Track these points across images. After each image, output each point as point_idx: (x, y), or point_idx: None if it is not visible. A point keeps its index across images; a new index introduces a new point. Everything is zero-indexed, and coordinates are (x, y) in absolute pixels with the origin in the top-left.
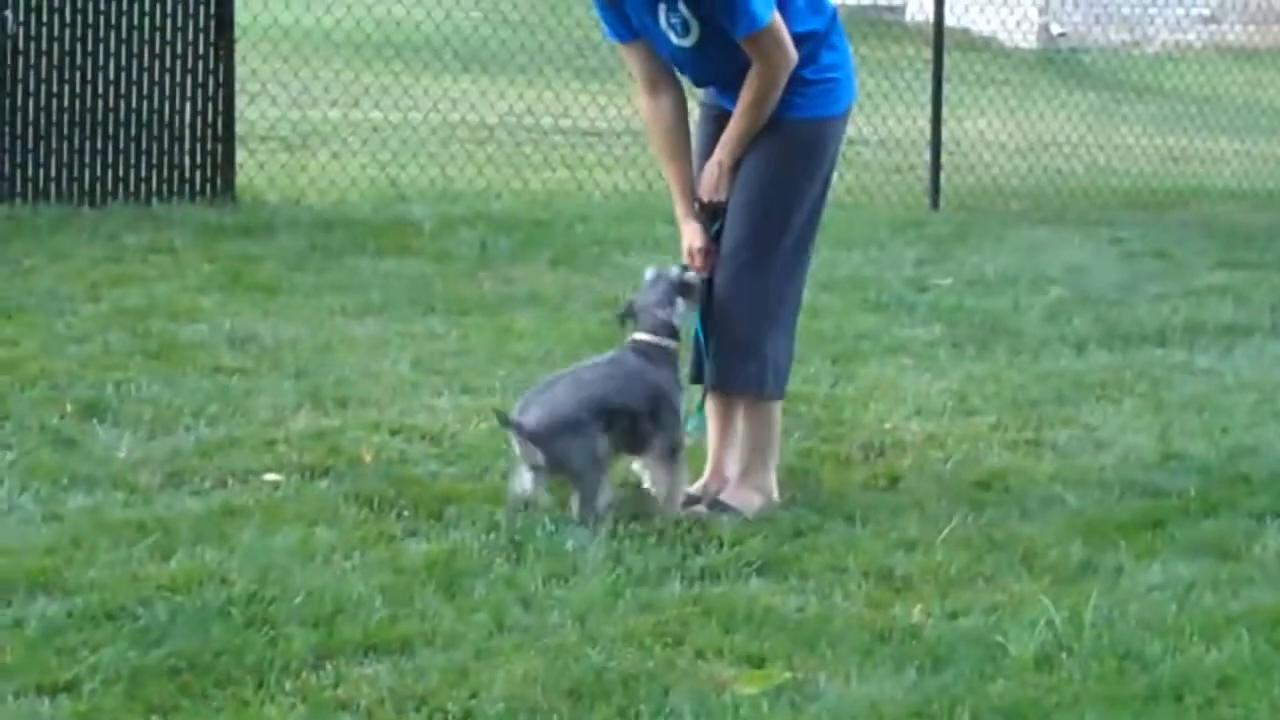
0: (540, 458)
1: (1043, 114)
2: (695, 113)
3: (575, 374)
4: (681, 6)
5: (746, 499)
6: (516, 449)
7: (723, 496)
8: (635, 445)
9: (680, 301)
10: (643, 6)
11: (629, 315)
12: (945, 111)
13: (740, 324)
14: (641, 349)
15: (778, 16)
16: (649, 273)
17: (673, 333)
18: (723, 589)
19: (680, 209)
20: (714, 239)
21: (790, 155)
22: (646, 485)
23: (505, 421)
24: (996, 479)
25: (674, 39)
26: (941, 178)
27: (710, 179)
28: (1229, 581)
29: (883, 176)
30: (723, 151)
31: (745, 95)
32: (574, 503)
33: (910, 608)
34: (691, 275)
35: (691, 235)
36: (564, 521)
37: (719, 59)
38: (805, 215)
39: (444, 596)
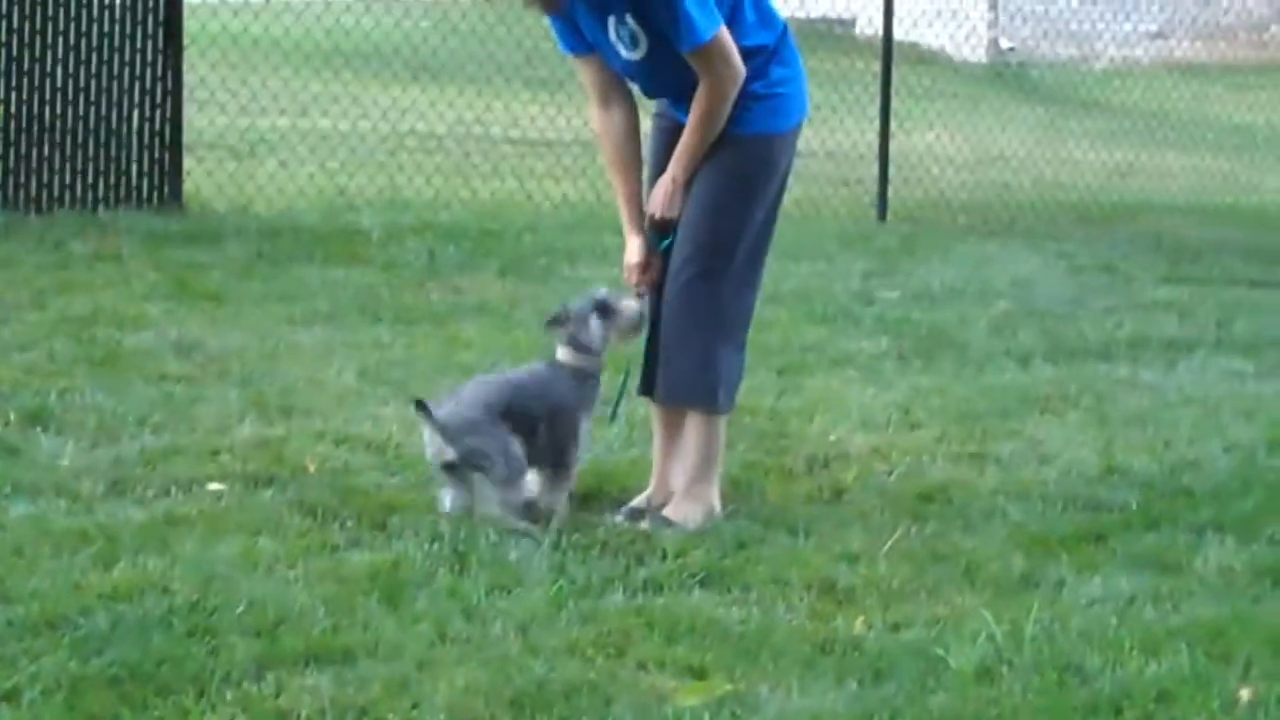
0: (449, 453)
1: (991, 128)
2: (648, 124)
3: (489, 378)
4: (629, 19)
5: (690, 512)
6: (428, 449)
7: (666, 510)
8: (532, 455)
9: (595, 322)
10: (593, 19)
11: (553, 325)
12: (893, 125)
13: (692, 338)
14: (556, 364)
15: (724, 31)
16: (590, 290)
17: (586, 350)
18: (665, 600)
19: (626, 223)
20: (665, 254)
21: (740, 171)
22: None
23: (420, 407)
24: (940, 492)
25: (623, 52)
26: (889, 191)
27: (663, 194)
28: (1169, 595)
29: (830, 189)
30: (675, 167)
31: (694, 110)
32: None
33: (852, 620)
34: (624, 303)
35: (631, 251)
36: (507, 533)
37: (668, 72)
38: (756, 230)
39: (386, 607)
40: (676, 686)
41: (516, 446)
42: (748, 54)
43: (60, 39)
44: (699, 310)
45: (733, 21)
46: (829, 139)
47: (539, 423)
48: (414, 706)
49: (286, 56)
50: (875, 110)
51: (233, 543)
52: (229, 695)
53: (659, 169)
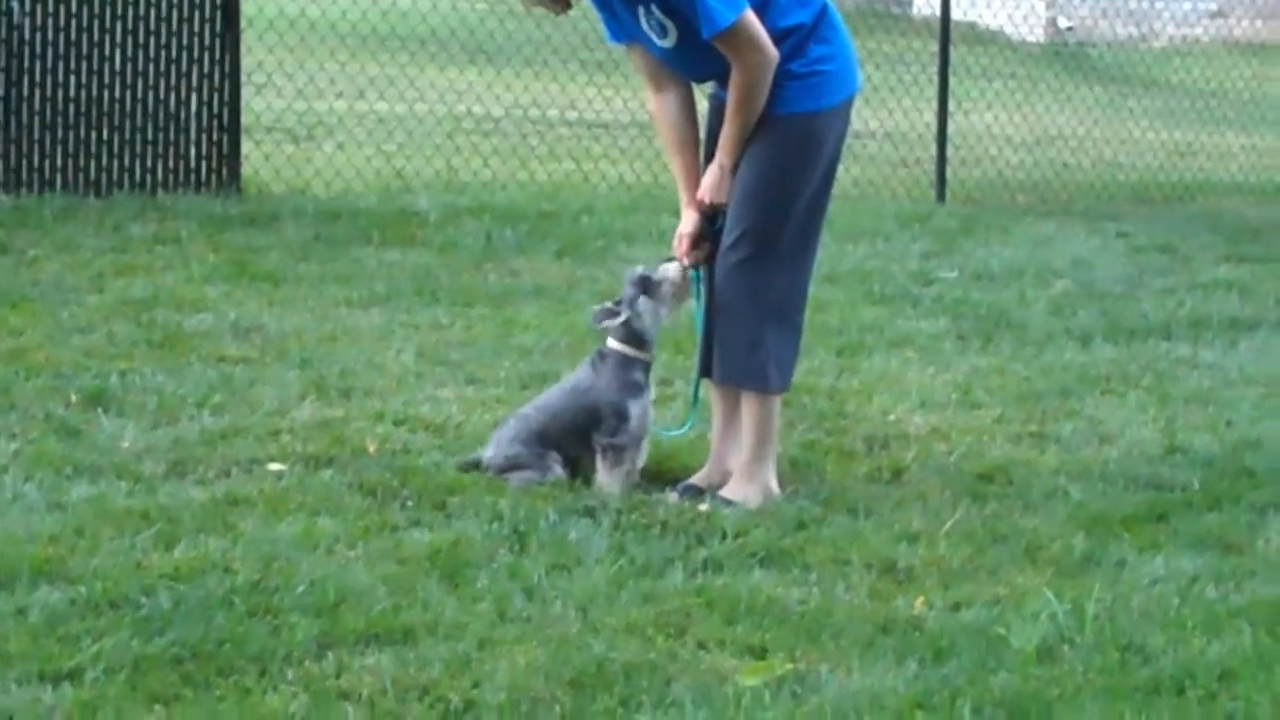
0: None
1: (1049, 108)
2: (705, 104)
3: (528, 407)
4: (655, 9)
5: (748, 492)
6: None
7: (724, 491)
8: (587, 445)
9: (642, 301)
10: (627, 11)
11: (604, 319)
12: (951, 105)
13: (741, 319)
14: (597, 358)
15: (747, 15)
16: (627, 272)
17: (634, 336)
18: (725, 580)
19: (684, 198)
20: (716, 236)
21: (783, 150)
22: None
23: (470, 467)
24: (1000, 472)
25: (657, 40)
26: (947, 171)
27: (711, 181)
28: (1231, 575)
29: (889, 170)
30: (722, 154)
31: (731, 96)
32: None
33: (913, 600)
34: (661, 270)
35: (685, 222)
36: (567, 512)
37: (701, 59)
38: (805, 209)
39: (447, 586)
40: (737, 666)
41: (555, 458)
42: (784, 34)
43: (119, 23)
44: (746, 291)
45: (766, 4)
46: (887, 120)
47: (583, 428)
48: (475, 685)
49: (343, 39)
50: (933, 91)
51: (293, 523)
52: (290, 674)
53: (713, 148)
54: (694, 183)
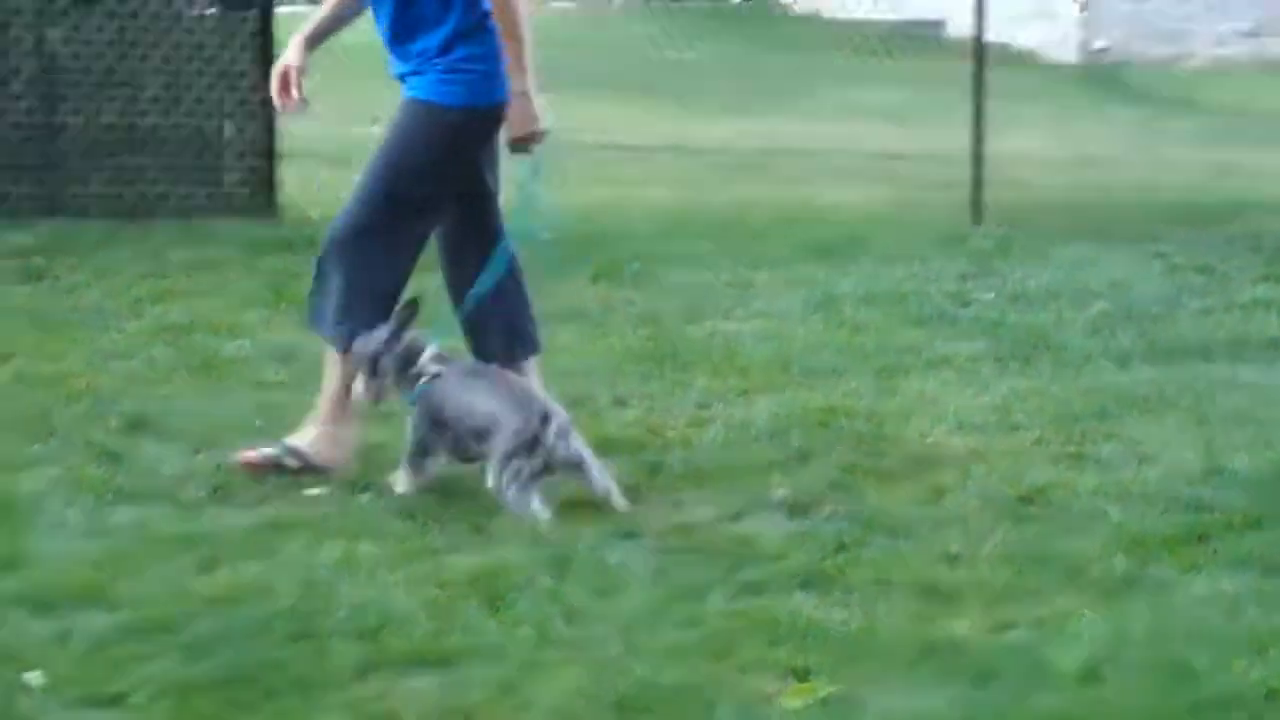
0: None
1: (1085, 129)
2: None
3: None
4: None
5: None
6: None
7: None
8: None
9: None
10: None
11: None
12: (987, 127)
13: None
14: None
15: None
16: None
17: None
18: (766, 603)
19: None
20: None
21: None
22: None
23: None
24: (1040, 493)
25: None
26: (984, 192)
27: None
28: (1274, 595)
29: (924, 192)
30: (515, 82)
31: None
32: None
33: (955, 622)
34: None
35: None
36: (607, 536)
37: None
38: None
39: (488, 610)
40: (779, 689)
41: None
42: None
43: (156, 50)
44: None
45: None
46: (922, 142)
47: None
48: (518, 709)
49: (380, 64)
50: (968, 112)
51: (334, 547)
52: (335, 699)
53: None
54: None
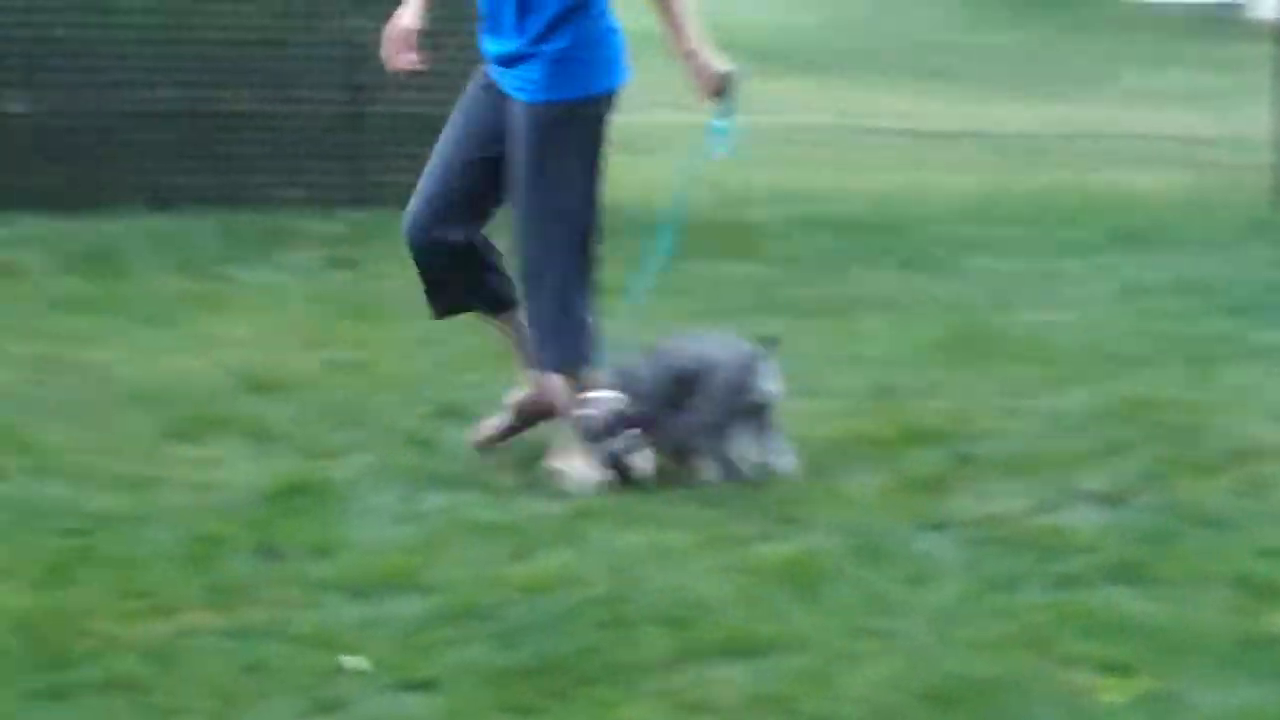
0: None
1: None
2: None
3: None
4: None
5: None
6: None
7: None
8: None
9: None
10: None
11: None
12: None
13: None
14: None
15: None
16: None
17: None
18: (1081, 595)
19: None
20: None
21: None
22: None
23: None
24: None
25: None
26: None
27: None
28: None
29: (1227, 176)
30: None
31: None
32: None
33: (1275, 616)
34: None
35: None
36: (917, 526)
37: None
38: None
39: (798, 599)
40: (1097, 683)
41: None
42: None
43: (453, 39)
44: None
45: None
46: (1224, 125)
47: None
48: (830, 698)
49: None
50: (1270, 96)
51: (642, 535)
52: (648, 686)
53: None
54: None
